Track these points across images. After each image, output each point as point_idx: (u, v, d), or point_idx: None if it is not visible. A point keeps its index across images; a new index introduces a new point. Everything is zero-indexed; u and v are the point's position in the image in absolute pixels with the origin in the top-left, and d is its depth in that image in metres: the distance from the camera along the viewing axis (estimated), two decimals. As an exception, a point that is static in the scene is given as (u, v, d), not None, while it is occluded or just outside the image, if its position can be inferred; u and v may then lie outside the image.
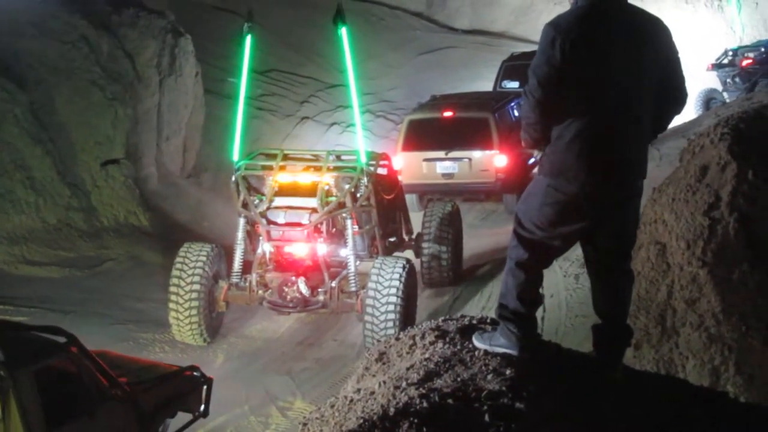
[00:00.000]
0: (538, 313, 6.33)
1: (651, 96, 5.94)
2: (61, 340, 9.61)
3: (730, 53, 28.36)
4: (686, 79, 6.11)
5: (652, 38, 5.93)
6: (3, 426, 8.79)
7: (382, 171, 16.08)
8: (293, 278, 14.65)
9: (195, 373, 11.52)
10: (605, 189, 5.91)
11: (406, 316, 14.17)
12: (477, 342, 6.28)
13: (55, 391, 9.19)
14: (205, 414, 11.48)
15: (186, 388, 11.30)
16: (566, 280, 13.55)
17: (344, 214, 14.90)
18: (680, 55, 6.05)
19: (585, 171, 5.85)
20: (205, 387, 11.42)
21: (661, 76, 5.96)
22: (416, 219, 17.52)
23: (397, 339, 6.66)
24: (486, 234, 19.97)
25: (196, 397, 11.33)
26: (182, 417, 11.37)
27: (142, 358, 13.26)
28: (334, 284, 14.72)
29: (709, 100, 27.29)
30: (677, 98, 6.11)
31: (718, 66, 28.13)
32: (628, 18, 5.91)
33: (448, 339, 6.37)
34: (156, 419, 10.73)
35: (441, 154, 20.90)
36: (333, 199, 14.75)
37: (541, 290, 6.23)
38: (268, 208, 14.74)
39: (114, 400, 9.89)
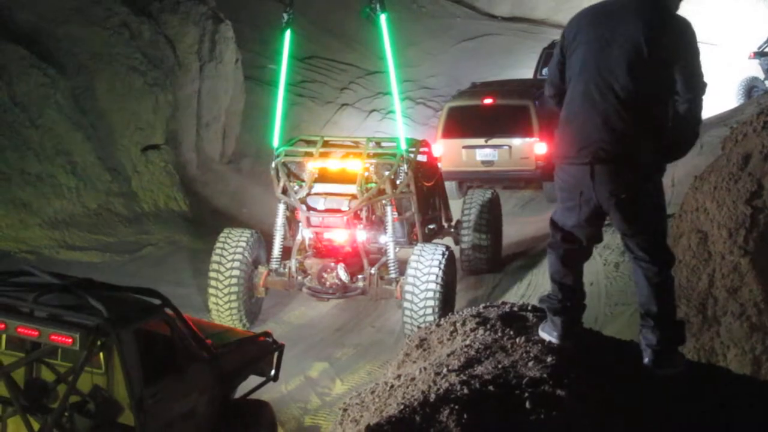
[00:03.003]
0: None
1: (644, 90, 5.90)
2: (156, 302, 9.82)
3: (773, 41, 28.12)
4: (688, 88, 5.95)
5: (650, 39, 5.85)
6: (105, 379, 9.12)
7: (421, 158, 16.02)
8: (332, 264, 14.67)
9: (268, 339, 11.78)
10: (582, 175, 5.95)
11: (446, 303, 14.15)
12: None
13: (151, 350, 9.47)
14: (275, 378, 11.74)
15: (260, 353, 11.53)
16: (606, 269, 13.49)
17: (384, 201, 14.87)
18: (687, 60, 5.93)
19: (565, 154, 6.06)
20: (276, 353, 11.68)
21: (661, 74, 5.91)
22: (456, 206, 17.49)
23: (438, 325, 6.67)
24: (526, 222, 19.91)
25: (268, 362, 11.61)
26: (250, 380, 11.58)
27: (218, 323, 13.49)
28: (373, 271, 14.72)
29: (751, 88, 27.09)
30: (677, 101, 5.98)
31: (760, 54, 27.87)
32: (631, 17, 5.90)
33: (489, 326, 6.37)
34: (235, 381, 10.98)
35: (481, 141, 20.84)
36: (373, 185, 14.73)
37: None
38: (308, 194, 14.75)
39: (201, 361, 10.13)
